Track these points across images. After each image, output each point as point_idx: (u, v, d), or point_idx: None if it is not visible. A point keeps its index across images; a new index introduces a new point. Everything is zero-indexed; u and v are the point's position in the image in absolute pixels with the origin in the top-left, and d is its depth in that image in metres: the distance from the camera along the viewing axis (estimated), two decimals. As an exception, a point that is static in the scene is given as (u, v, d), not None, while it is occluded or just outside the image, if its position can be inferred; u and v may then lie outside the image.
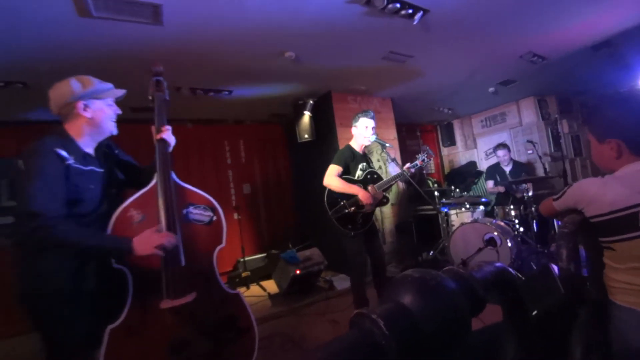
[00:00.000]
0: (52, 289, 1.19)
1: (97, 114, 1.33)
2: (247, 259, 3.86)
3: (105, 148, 1.44)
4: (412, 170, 2.36)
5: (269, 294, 3.36)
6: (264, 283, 3.59)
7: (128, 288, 1.24)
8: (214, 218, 1.47)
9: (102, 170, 1.37)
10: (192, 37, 2.37)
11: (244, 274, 3.70)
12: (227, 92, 3.52)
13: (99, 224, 1.29)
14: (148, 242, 1.21)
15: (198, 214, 1.44)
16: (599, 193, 0.91)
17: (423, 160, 2.41)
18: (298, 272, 3.15)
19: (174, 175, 1.42)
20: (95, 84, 1.34)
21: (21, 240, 1.20)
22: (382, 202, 2.38)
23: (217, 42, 2.49)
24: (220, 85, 3.37)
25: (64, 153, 1.21)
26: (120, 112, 1.42)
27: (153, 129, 1.48)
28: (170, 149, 1.48)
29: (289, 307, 3.03)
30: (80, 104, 1.29)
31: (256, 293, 3.45)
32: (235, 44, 2.56)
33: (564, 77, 4.40)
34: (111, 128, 1.39)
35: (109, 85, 1.40)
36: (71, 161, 1.23)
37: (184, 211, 1.41)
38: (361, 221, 2.28)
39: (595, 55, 3.62)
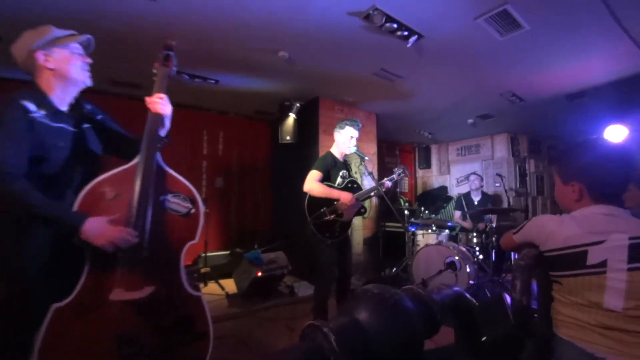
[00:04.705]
0: None
1: (61, 64, 1.20)
2: (209, 254, 3.72)
3: (85, 110, 1.33)
4: (389, 183, 2.37)
5: (226, 293, 3.25)
6: (223, 282, 3.47)
7: (84, 267, 1.14)
8: (192, 210, 1.37)
9: (74, 129, 1.25)
10: (186, 18, 2.30)
11: (203, 270, 3.56)
12: (213, 81, 3.43)
13: (70, 193, 1.19)
14: (101, 232, 1.11)
15: (176, 203, 1.33)
16: (556, 229, 0.97)
17: (399, 174, 2.43)
18: (260, 274, 3.08)
19: (159, 158, 1.33)
20: (53, 30, 1.21)
21: None
22: (360, 212, 2.38)
23: (212, 27, 2.42)
24: (207, 72, 3.28)
25: (30, 106, 1.12)
26: (91, 61, 1.29)
27: (147, 99, 1.34)
28: (166, 121, 1.37)
29: (246, 308, 2.95)
30: (39, 55, 1.18)
31: (213, 291, 3.33)
32: (229, 33, 2.50)
33: (537, 120, 4.69)
34: (83, 78, 1.27)
35: (70, 30, 1.26)
36: (38, 115, 1.13)
37: (161, 198, 1.30)
38: (339, 229, 2.27)
39: (568, 104, 3.88)
